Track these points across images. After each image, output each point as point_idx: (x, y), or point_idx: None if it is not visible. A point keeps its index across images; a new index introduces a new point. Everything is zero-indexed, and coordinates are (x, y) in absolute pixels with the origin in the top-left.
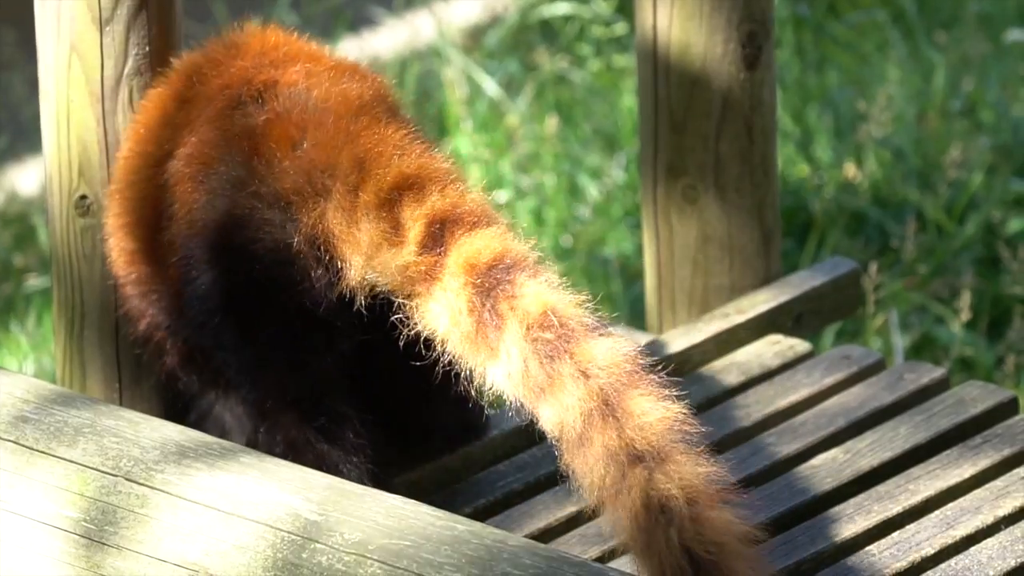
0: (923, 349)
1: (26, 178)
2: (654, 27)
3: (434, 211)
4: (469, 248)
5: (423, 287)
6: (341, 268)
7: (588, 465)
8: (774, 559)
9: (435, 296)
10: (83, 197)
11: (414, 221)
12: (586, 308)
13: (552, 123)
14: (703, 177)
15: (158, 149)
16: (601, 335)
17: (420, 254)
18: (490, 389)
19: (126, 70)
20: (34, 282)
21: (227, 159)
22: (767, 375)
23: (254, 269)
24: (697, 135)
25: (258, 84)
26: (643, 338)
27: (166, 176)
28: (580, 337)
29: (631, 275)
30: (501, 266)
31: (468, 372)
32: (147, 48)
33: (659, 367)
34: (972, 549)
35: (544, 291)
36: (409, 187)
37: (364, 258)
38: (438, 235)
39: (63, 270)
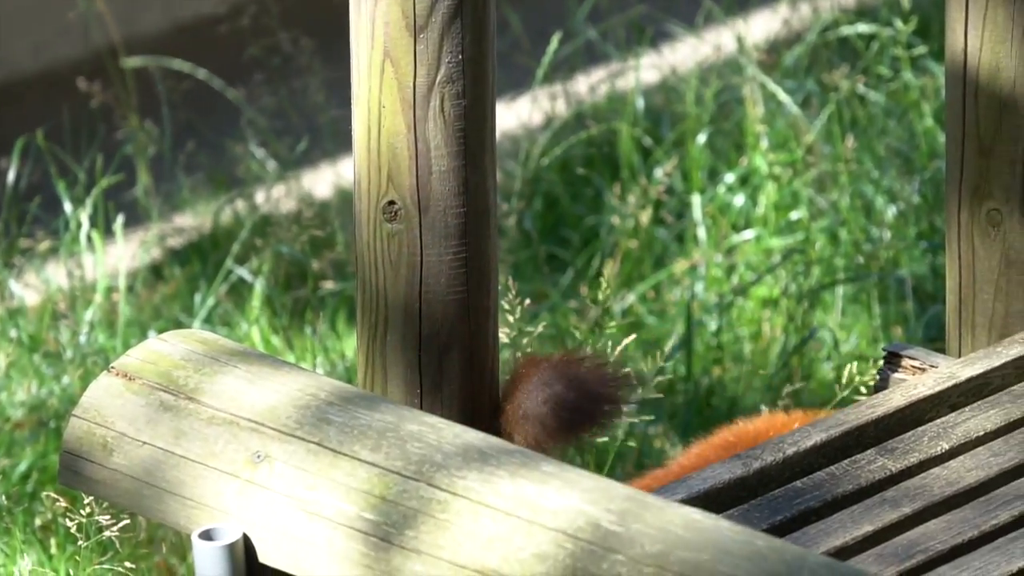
0: None
1: (320, 183)
2: (964, 50)
3: None
4: None
5: None
6: None
7: None
8: None
9: None
10: (391, 203)
11: None
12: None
13: (848, 143)
14: (1008, 201)
15: None
16: None
17: None
18: None
19: (439, 77)
20: (328, 286)
21: None
22: None
23: None
24: (1004, 159)
25: None
26: (941, 360)
27: None
28: None
29: (924, 297)
30: None
31: None
32: (460, 56)
33: None
34: None
35: None
36: None
37: None
38: None
39: (367, 275)
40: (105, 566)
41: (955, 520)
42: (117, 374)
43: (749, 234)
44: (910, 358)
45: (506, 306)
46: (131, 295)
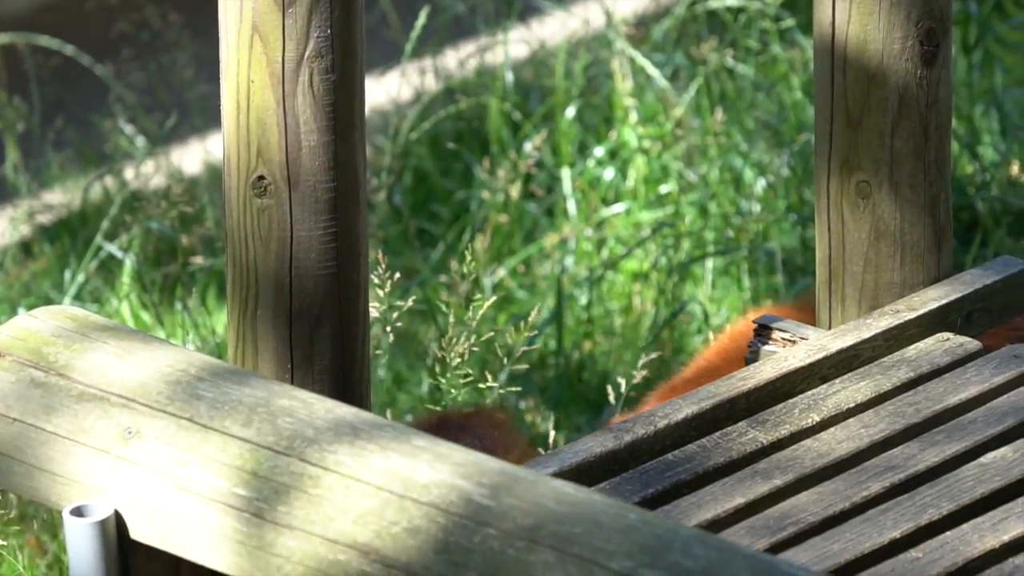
0: None
1: (189, 159)
2: (832, 23)
3: None
4: None
5: None
6: None
7: None
8: (944, 556)
9: None
10: (261, 178)
11: None
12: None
13: (717, 116)
14: (877, 173)
15: None
16: None
17: None
18: None
19: (307, 52)
20: (198, 261)
21: None
22: (936, 372)
23: None
24: (873, 131)
25: None
26: (812, 332)
27: None
28: None
29: (794, 269)
30: None
31: None
32: (329, 30)
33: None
34: None
35: None
36: None
37: None
38: None
39: (237, 250)
40: None
41: (826, 492)
42: None
43: (619, 208)
44: (780, 330)
45: (376, 281)
46: (0, 272)
